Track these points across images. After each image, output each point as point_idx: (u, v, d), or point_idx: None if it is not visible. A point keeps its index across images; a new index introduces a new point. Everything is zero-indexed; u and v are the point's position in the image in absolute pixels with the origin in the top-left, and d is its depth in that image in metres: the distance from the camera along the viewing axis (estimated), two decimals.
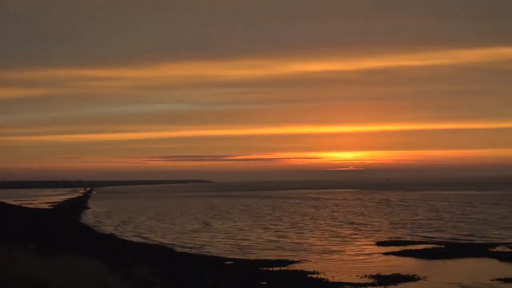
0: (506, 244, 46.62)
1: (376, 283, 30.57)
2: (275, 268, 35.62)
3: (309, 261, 39.37)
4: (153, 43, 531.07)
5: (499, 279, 31.30)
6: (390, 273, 33.46)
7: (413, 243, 48.92)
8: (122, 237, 57.92)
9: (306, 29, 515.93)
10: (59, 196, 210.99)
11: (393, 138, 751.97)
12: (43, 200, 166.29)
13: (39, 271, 13.08)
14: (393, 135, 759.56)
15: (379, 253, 43.29)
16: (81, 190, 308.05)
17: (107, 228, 69.61)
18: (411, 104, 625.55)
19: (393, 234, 57.16)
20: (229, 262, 38.67)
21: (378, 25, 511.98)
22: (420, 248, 45.45)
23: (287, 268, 35.83)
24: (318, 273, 33.94)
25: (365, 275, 33.09)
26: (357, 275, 33.16)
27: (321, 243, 50.28)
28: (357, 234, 58.18)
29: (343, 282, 30.94)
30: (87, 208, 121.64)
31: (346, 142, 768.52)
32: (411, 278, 31.89)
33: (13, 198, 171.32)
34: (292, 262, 38.78)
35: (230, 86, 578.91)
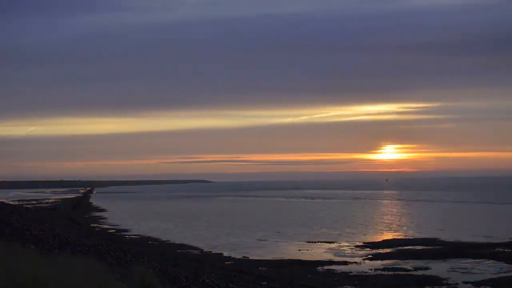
0: None
1: (377, 284, 30.59)
2: (275, 268, 35.62)
3: (310, 261, 39.32)
4: None
5: None
6: (391, 274, 33.49)
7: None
8: (122, 236, 57.96)
9: None
10: (59, 195, 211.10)
11: None
12: (43, 200, 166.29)
13: (38, 271, 13.04)
14: None
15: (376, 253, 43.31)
16: (81, 190, 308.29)
17: (107, 227, 69.63)
18: None
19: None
20: (229, 262, 38.67)
21: None
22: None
23: (287, 268, 35.81)
24: (319, 273, 33.91)
25: (364, 276, 33.11)
26: (358, 275, 33.17)
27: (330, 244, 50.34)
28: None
29: (344, 282, 30.93)
30: (87, 207, 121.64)
31: None
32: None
33: (13, 198, 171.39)
34: (293, 262, 38.77)
35: None
